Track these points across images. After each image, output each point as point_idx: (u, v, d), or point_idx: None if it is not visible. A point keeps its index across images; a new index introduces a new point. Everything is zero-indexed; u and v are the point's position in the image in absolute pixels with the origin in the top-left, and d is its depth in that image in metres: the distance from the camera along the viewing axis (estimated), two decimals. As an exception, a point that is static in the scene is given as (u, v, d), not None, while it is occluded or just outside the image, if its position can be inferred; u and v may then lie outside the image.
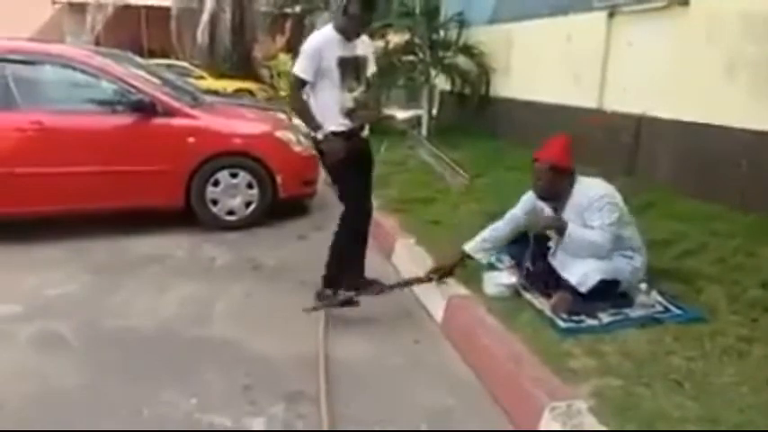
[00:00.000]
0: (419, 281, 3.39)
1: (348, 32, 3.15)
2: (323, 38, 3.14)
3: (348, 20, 3.10)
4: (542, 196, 3.10)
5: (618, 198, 3.00)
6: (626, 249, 3.01)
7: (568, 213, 3.01)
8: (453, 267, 3.33)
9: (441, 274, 3.33)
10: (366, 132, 3.37)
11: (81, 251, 4.34)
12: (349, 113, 3.22)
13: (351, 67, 3.20)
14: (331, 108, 3.17)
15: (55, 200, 4.52)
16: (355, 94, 3.23)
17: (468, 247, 3.30)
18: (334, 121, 3.17)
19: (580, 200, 2.98)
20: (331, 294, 3.30)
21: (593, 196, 2.94)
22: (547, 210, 3.13)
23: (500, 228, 3.31)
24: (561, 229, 2.95)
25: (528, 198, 3.25)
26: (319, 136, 3.15)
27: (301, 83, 3.14)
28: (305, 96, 3.20)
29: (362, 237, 3.45)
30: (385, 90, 9.51)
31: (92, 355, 2.88)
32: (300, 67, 3.13)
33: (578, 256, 2.96)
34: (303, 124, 3.42)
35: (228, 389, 2.58)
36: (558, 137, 3.14)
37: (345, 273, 3.39)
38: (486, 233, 3.31)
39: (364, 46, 3.29)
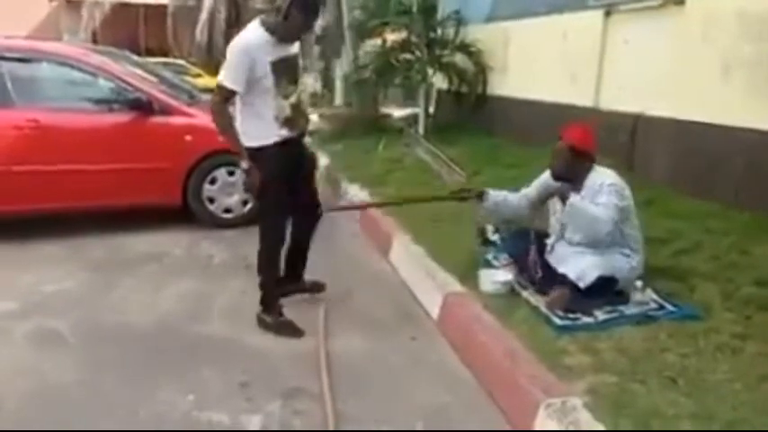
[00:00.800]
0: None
1: (286, 36, 2.85)
2: (253, 40, 2.78)
3: (289, 24, 2.77)
4: (558, 176, 3.12)
5: (628, 192, 3.04)
6: (625, 247, 3.04)
7: (584, 199, 3.02)
8: (467, 197, 3.44)
9: (458, 196, 3.50)
10: (307, 138, 3.20)
11: (78, 248, 4.35)
12: (287, 122, 2.92)
13: (286, 70, 2.87)
14: (266, 118, 2.87)
15: (52, 198, 4.52)
16: (292, 99, 2.94)
17: (492, 192, 3.37)
18: (270, 133, 2.88)
19: (593, 185, 3.02)
20: (271, 320, 3.08)
21: (605, 182, 3.00)
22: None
23: (511, 197, 3.40)
24: (564, 195, 3.00)
25: (543, 179, 3.30)
26: (244, 165, 2.87)
27: (230, 94, 2.80)
28: (231, 109, 2.90)
29: (299, 248, 3.30)
30: (382, 88, 9.55)
31: (89, 352, 2.89)
32: (229, 77, 2.76)
33: (578, 231, 3.03)
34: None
35: (226, 386, 2.59)
36: (583, 123, 3.23)
37: (284, 289, 3.23)
38: (505, 192, 3.42)
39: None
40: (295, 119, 2.97)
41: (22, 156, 4.41)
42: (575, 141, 3.06)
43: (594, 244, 2.98)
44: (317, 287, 3.46)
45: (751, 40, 4.10)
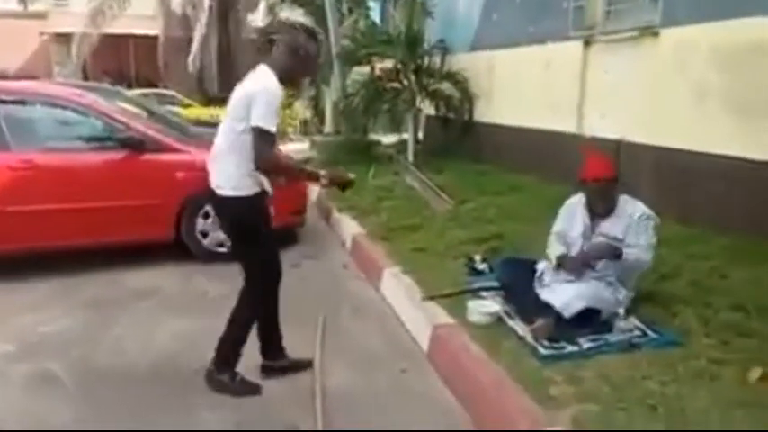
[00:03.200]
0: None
1: (294, 82, 2.83)
2: (273, 82, 2.65)
3: (303, 69, 2.78)
4: (605, 212, 3.17)
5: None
6: (614, 282, 3.14)
7: (614, 226, 3.13)
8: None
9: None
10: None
11: (72, 286, 4.39)
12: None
13: None
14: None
15: (47, 236, 4.58)
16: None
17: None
18: (260, 179, 2.77)
19: (627, 214, 3.11)
20: (228, 380, 2.88)
21: (641, 214, 3.10)
22: (585, 221, 3.23)
23: (555, 247, 3.32)
24: (618, 255, 3.05)
25: (566, 212, 3.35)
26: (324, 181, 2.83)
27: (274, 139, 2.64)
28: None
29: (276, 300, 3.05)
30: (371, 116, 9.72)
31: (85, 393, 2.93)
32: (273, 121, 2.59)
33: (624, 275, 3.14)
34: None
35: (222, 425, 2.64)
36: (593, 154, 3.32)
37: (265, 346, 3.04)
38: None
39: None
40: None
41: (17, 196, 4.47)
42: (614, 172, 3.16)
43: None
44: (305, 364, 3.12)
45: (723, 71, 4.28)
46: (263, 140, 2.60)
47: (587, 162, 3.23)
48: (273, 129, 2.60)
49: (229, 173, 2.72)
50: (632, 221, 3.10)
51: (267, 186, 2.80)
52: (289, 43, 2.73)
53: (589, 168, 3.19)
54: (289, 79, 2.76)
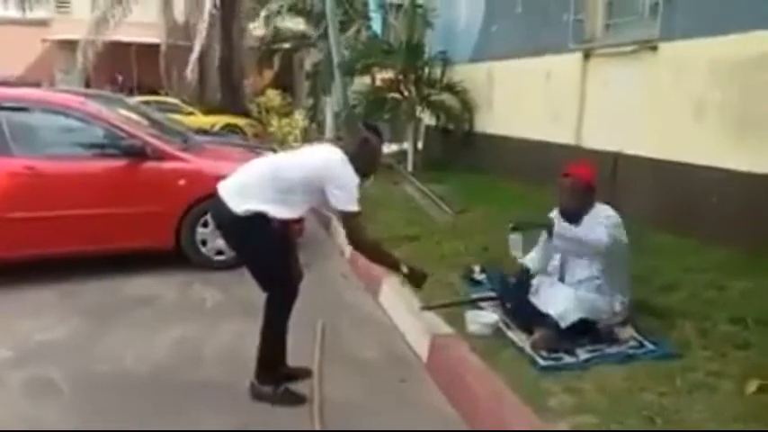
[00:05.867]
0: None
1: (363, 175, 2.85)
2: (352, 172, 2.77)
3: (373, 162, 2.91)
4: (568, 211, 3.21)
5: (622, 229, 3.17)
6: (611, 293, 3.15)
7: (582, 229, 3.15)
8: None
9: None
10: None
11: (71, 293, 4.40)
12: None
13: None
14: (295, 209, 2.84)
15: (48, 243, 4.59)
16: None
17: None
18: (290, 212, 2.84)
19: (595, 217, 3.14)
20: (271, 391, 2.89)
21: (608, 216, 3.14)
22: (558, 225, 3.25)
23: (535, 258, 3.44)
24: (549, 227, 3.11)
25: (541, 242, 3.40)
26: (405, 270, 2.98)
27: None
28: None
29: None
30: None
31: (83, 400, 2.93)
32: (357, 201, 2.75)
33: (575, 256, 3.17)
34: None
35: None
36: (585, 161, 3.41)
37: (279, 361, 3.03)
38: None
39: None
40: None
41: (18, 203, 4.49)
42: (590, 177, 3.21)
43: (598, 274, 3.13)
44: (304, 373, 3.11)
45: (720, 85, 4.32)
46: (357, 223, 2.80)
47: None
48: (357, 208, 2.76)
49: (249, 200, 2.73)
50: (602, 221, 3.12)
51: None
52: (368, 151, 2.87)
53: (565, 167, 3.28)
54: (361, 174, 2.83)
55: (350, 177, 2.74)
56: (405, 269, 2.99)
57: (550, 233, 3.17)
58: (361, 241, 2.91)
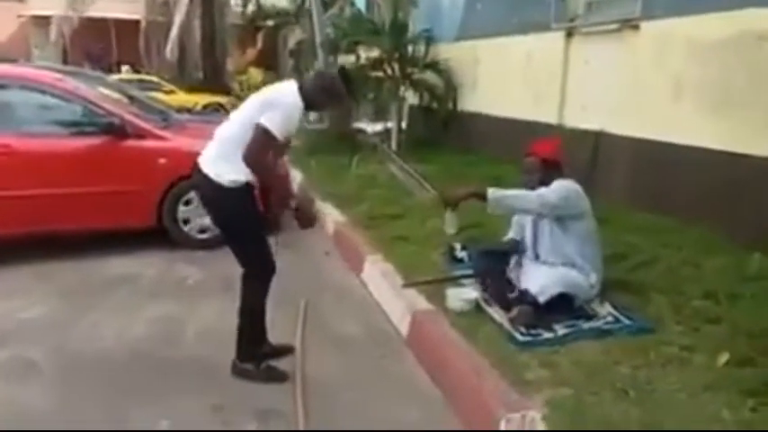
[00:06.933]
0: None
1: (317, 107, 2.88)
2: (298, 100, 2.72)
3: (330, 98, 2.83)
4: (526, 187, 3.27)
5: (581, 197, 3.23)
6: (585, 267, 3.21)
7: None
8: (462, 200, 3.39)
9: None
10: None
11: (50, 273, 4.36)
12: None
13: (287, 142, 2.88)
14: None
15: (27, 222, 4.54)
16: None
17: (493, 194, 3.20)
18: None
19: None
20: (252, 368, 2.91)
21: (561, 184, 3.20)
22: None
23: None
24: (482, 194, 3.16)
25: (515, 220, 3.52)
26: (293, 204, 2.86)
27: (272, 144, 2.65)
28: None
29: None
30: (355, 104, 9.70)
31: (63, 380, 2.93)
32: (280, 127, 2.62)
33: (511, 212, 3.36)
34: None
35: (201, 409, 2.66)
36: (551, 137, 3.44)
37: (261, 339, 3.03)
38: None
39: None
40: None
41: (-5, 181, 4.42)
42: (546, 154, 3.27)
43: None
44: (286, 350, 3.16)
45: (699, 65, 4.34)
46: (263, 141, 2.62)
47: None
48: (279, 136, 2.63)
49: (230, 167, 2.71)
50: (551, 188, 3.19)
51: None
52: (324, 86, 2.81)
53: (534, 144, 3.37)
54: (313, 107, 2.85)
55: (288, 100, 2.67)
56: (293, 204, 2.86)
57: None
58: (259, 161, 2.65)
